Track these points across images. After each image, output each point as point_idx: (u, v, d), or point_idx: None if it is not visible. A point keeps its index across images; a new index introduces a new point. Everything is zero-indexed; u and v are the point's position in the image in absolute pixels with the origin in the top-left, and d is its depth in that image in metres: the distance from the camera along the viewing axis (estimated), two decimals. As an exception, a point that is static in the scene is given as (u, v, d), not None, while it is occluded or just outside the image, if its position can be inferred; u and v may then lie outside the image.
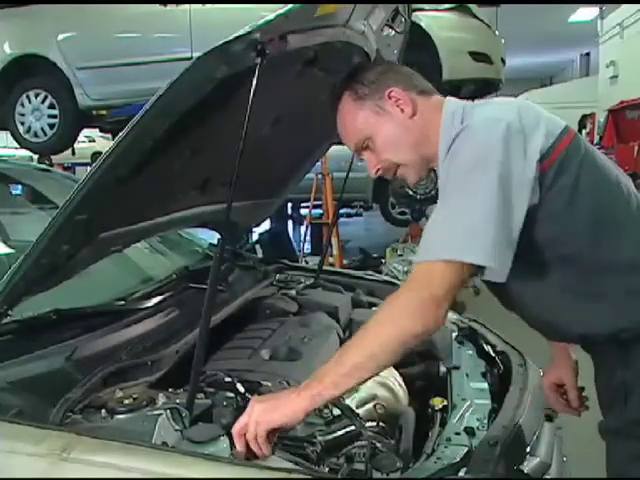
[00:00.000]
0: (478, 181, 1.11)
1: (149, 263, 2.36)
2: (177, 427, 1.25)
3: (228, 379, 1.51)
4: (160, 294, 1.91)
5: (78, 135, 5.49)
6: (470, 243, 1.09)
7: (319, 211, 6.75)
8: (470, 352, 1.99)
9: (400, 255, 5.88)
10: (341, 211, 9.86)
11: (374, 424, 1.59)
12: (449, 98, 1.34)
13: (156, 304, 1.84)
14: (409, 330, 1.10)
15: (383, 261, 5.97)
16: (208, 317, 1.32)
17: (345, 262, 6.24)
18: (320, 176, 5.99)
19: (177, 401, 1.33)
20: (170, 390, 1.44)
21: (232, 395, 1.46)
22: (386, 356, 1.12)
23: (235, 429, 1.18)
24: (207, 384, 1.51)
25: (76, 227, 1.34)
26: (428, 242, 1.15)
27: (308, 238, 7.02)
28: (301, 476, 1.10)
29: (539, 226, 1.18)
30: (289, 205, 9.81)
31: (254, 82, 1.25)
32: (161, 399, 1.36)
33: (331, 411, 1.47)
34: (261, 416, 1.15)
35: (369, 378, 1.16)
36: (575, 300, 1.23)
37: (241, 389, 1.48)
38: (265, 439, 1.15)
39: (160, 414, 1.26)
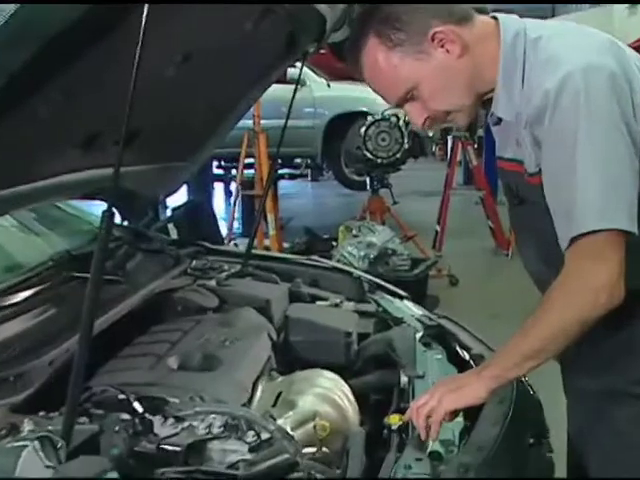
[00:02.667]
0: (603, 140, 1.28)
1: (18, 246, 2.31)
2: (48, 462, 1.21)
3: (122, 396, 1.49)
4: (31, 286, 1.87)
5: None
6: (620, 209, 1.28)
7: (252, 171, 6.63)
8: (439, 357, 2.01)
9: (356, 236, 5.83)
10: (281, 172, 9.64)
11: (314, 450, 1.59)
12: (500, 21, 1.43)
13: (25, 300, 1.80)
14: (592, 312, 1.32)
15: (334, 244, 5.96)
16: (91, 315, 1.29)
17: (286, 245, 6.22)
18: (252, 132, 5.89)
19: (49, 428, 1.30)
20: (41, 414, 1.41)
21: (127, 417, 1.44)
22: (571, 337, 1.35)
23: (415, 405, 1.46)
24: (94, 404, 1.49)
25: None
26: (580, 211, 1.29)
27: (237, 215, 6.94)
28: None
29: None
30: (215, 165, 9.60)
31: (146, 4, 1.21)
32: (27, 426, 1.33)
33: (258, 434, 1.45)
34: (446, 396, 1.42)
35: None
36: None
37: (139, 409, 1.46)
38: (440, 420, 1.42)
39: (25, 445, 1.21)
